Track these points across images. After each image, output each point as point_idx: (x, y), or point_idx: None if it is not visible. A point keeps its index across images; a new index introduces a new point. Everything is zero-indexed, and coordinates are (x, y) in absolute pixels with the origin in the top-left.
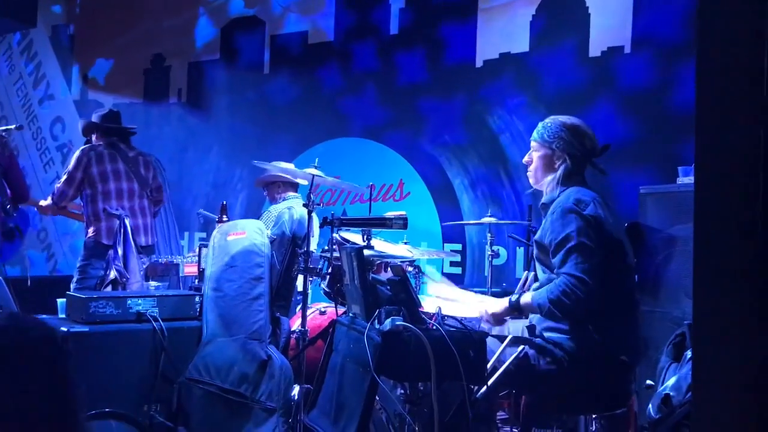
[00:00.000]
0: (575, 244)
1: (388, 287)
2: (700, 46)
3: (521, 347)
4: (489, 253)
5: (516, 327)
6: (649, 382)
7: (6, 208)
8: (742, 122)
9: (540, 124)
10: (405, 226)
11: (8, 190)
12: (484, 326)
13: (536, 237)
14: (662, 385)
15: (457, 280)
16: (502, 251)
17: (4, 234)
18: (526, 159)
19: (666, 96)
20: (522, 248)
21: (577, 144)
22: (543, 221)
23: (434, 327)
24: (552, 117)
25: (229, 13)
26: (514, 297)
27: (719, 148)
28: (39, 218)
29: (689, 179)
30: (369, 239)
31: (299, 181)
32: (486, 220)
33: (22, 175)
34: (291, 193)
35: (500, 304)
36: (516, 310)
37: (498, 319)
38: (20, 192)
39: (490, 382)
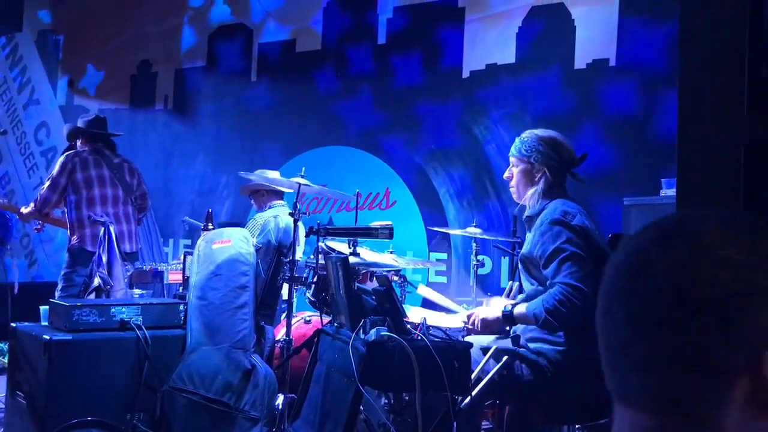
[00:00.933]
0: (568, 254)
1: (374, 297)
2: (682, 67)
3: (505, 357)
4: (474, 262)
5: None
6: None
7: None
8: (723, 140)
9: (517, 139)
10: (390, 236)
11: None
12: (468, 336)
13: (523, 251)
14: None
15: (442, 289)
16: (487, 260)
17: None
18: (506, 175)
19: (651, 111)
20: (507, 258)
21: (555, 155)
22: (528, 234)
23: (419, 337)
24: (528, 131)
25: (215, 20)
26: (507, 307)
27: (701, 165)
28: (21, 225)
29: (673, 191)
30: (355, 248)
31: (284, 189)
32: (471, 230)
33: None
34: (277, 201)
35: (492, 313)
36: (509, 321)
37: (488, 327)
38: None
39: (474, 393)
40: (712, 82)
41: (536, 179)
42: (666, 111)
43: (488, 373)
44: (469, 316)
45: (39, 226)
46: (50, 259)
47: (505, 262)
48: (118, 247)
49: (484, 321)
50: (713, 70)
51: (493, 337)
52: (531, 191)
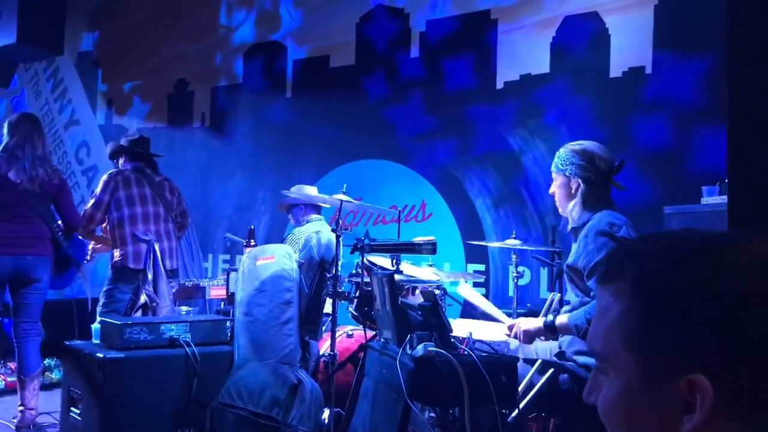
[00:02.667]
0: None
1: (419, 312)
2: (731, 77)
3: (551, 370)
4: (514, 274)
5: (543, 347)
6: None
7: (57, 236)
8: None
9: (556, 154)
10: (434, 251)
11: (59, 219)
12: (511, 343)
13: (568, 261)
14: None
15: None
16: (526, 271)
17: (57, 263)
18: (551, 191)
19: (692, 116)
20: (546, 269)
21: (589, 166)
22: (574, 245)
23: (465, 352)
24: (565, 146)
25: (249, 38)
26: (549, 317)
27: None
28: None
29: (713, 199)
30: (398, 264)
31: (322, 203)
32: (510, 242)
33: (73, 204)
34: (314, 216)
35: (534, 323)
36: (551, 331)
37: (530, 337)
38: (71, 220)
39: (521, 406)
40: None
41: (573, 191)
42: (710, 92)
43: (534, 386)
44: (510, 327)
45: (88, 257)
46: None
47: (544, 272)
48: (162, 264)
49: (526, 332)
50: (764, 76)
51: (538, 344)
52: (571, 204)
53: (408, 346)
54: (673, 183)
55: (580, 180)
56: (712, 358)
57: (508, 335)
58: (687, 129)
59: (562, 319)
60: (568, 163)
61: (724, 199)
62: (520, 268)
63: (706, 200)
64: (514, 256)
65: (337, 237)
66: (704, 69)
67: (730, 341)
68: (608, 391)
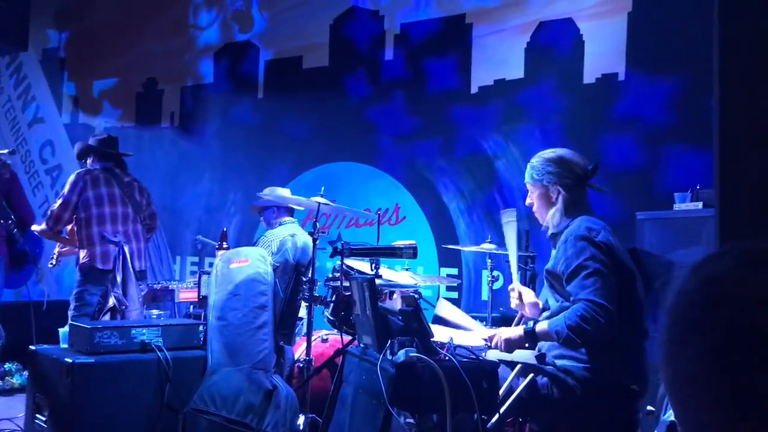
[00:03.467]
0: (591, 271)
1: (400, 317)
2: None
3: (530, 375)
4: (489, 278)
5: (524, 354)
6: (650, 408)
7: (12, 233)
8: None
9: (528, 166)
10: (415, 255)
11: (12, 215)
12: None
13: (548, 266)
14: (665, 412)
15: (454, 305)
16: (500, 276)
17: (13, 259)
18: (528, 202)
19: (663, 124)
20: (519, 273)
21: (566, 172)
22: (553, 251)
23: (447, 358)
24: (536, 156)
25: (221, 38)
26: (530, 324)
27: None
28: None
29: (686, 205)
30: (377, 268)
31: (295, 206)
32: (486, 246)
33: (25, 197)
34: (287, 218)
35: (515, 332)
36: (532, 338)
37: (512, 346)
38: (25, 215)
39: (502, 410)
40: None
41: (554, 199)
42: (681, 102)
43: (514, 390)
44: (491, 337)
45: (53, 261)
46: (55, 277)
47: (517, 277)
48: (132, 266)
49: (507, 341)
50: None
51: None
52: (552, 211)
53: (389, 351)
54: (646, 188)
55: (560, 188)
56: None
57: (489, 346)
58: (659, 136)
59: (542, 326)
60: (544, 172)
61: (696, 205)
62: (495, 273)
63: (678, 206)
64: (490, 261)
65: (314, 240)
66: (676, 79)
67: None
68: None
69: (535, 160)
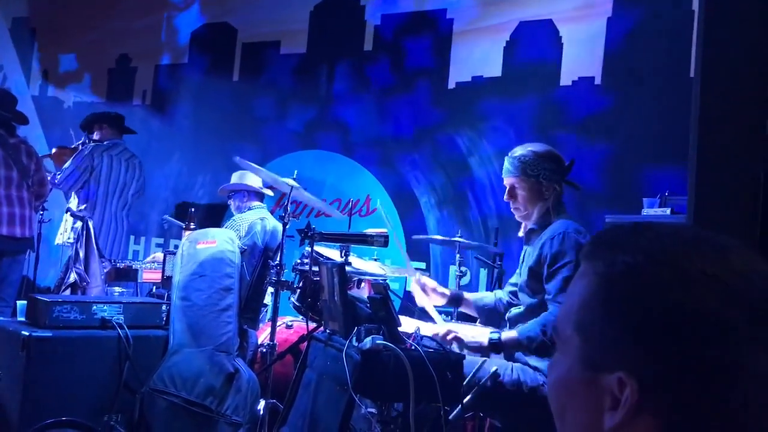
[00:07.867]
0: (571, 274)
1: (368, 304)
2: (702, 89)
3: (494, 368)
4: (457, 273)
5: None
6: None
7: None
8: (742, 163)
9: (513, 159)
10: (386, 244)
11: None
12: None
13: (530, 264)
14: None
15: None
16: (467, 272)
17: None
18: (507, 198)
19: (635, 122)
20: (486, 270)
21: (557, 168)
22: (527, 248)
23: (413, 347)
24: (520, 148)
25: (199, 18)
26: (494, 335)
27: (719, 188)
28: None
29: (654, 210)
30: (347, 255)
31: (265, 191)
32: (457, 239)
33: None
34: (256, 203)
35: (477, 339)
36: (495, 349)
37: (465, 348)
38: None
39: (465, 401)
40: (731, 106)
41: (546, 195)
42: (651, 106)
43: (477, 384)
44: (447, 333)
45: None
46: None
47: (483, 273)
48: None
49: (461, 343)
50: (734, 95)
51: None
52: (540, 206)
53: (355, 338)
54: (615, 192)
55: (555, 185)
56: (643, 362)
57: (437, 341)
58: (632, 141)
59: (510, 334)
60: (540, 168)
61: (665, 211)
62: (463, 268)
63: (646, 212)
64: (458, 256)
65: (284, 225)
66: (650, 86)
67: (668, 352)
68: (554, 372)
69: (523, 153)
